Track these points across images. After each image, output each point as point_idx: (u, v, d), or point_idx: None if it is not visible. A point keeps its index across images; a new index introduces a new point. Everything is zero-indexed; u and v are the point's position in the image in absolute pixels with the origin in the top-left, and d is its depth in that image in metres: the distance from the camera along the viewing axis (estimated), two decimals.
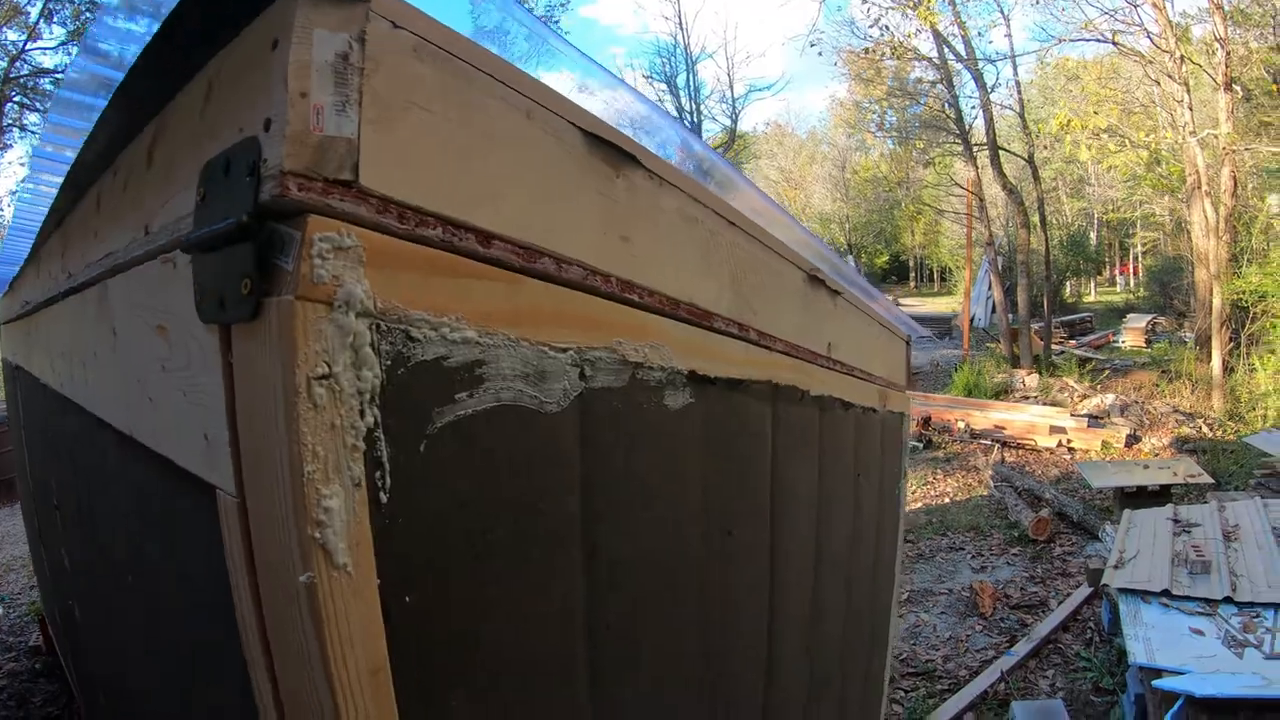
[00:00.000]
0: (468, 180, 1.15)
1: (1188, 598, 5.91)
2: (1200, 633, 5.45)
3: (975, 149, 24.90)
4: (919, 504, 13.40)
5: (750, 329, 1.98)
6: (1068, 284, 41.03)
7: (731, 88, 50.08)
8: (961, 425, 16.89)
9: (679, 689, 1.82)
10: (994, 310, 27.32)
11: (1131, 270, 44.62)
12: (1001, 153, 24.09)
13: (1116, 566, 6.65)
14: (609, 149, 1.41)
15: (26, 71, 24.87)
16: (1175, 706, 4.75)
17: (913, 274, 58.52)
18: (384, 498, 1.06)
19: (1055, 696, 6.90)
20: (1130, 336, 28.03)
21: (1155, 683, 4.99)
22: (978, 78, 23.69)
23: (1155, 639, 5.41)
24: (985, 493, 13.40)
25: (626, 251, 1.48)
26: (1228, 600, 5.80)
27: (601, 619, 1.48)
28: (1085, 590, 8.59)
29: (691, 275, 1.71)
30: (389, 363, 1.06)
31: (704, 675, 1.92)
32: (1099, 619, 8.05)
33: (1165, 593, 5.97)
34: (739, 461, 2.02)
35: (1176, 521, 7.78)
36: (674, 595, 1.75)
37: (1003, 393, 20.23)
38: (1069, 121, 20.65)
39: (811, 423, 2.52)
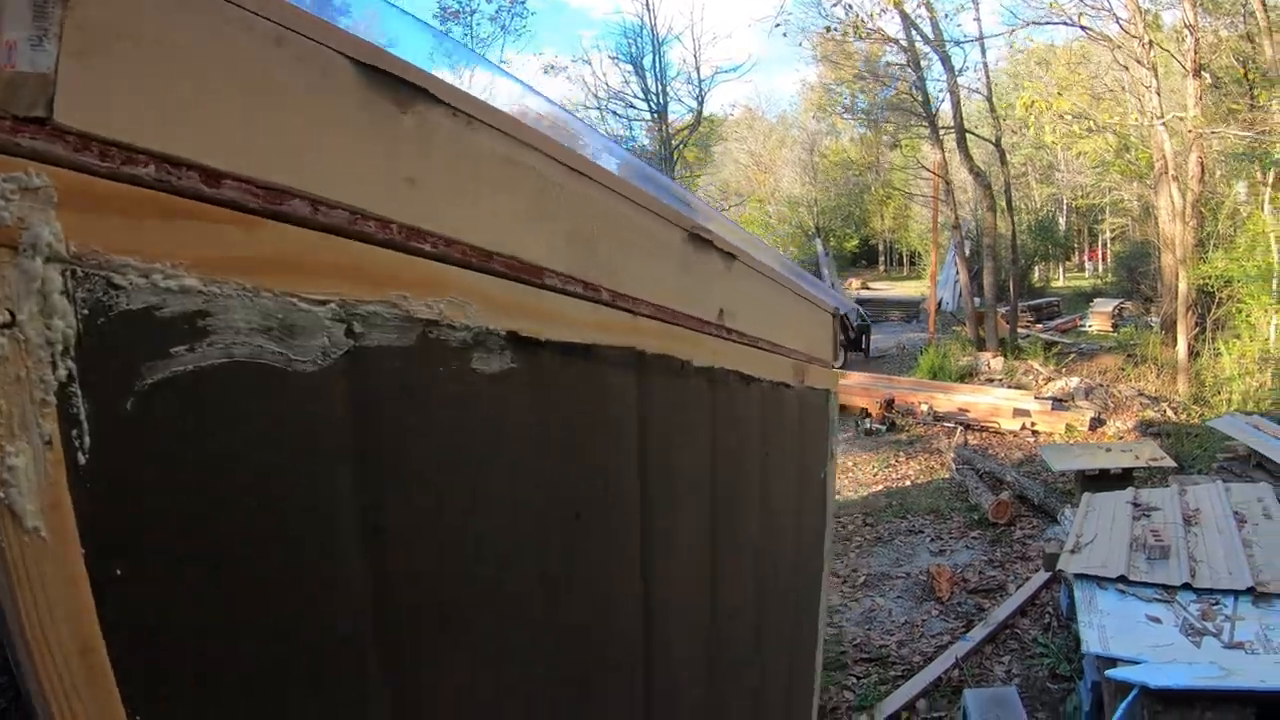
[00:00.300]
0: (194, 114, 0.99)
1: (1145, 584, 5.73)
2: (1157, 620, 5.27)
3: (942, 132, 24.79)
4: (880, 486, 13.34)
5: (602, 289, 1.76)
6: (1036, 269, 41.17)
7: (698, 70, 49.57)
8: (925, 408, 16.79)
9: (522, 681, 1.63)
10: (961, 294, 27.32)
11: (1100, 256, 44.76)
12: (970, 137, 24.00)
13: (1073, 551, 6.47)
14: (392, 82, 1.24)
15: None
16: (1129, 697, 4.58)
17: (882, 258, 58.23)
18: (83, 458, 0.90)
19: (1011, 683, 6.76)
20: (1097, 321, 28.13)
21: (1109, 672, 4.82)
22: (945, 60, 23.54)
23: (1110, 626, 5.22)
24: (947, 475, 13.32)
25: (414, 195, 1.30)
26: (1186, 587, 5.60)
27: (395, 605, 1.30)
28: (1044, 575, 8.43)
29: (513, 225, 1.51)
30: (86, 312, 0.90)
31: (559, 665, 1.73)
32: (1058, 604, 7.88)
33: (1122, 578, 5.78)
34: (590, 435, 1.80)
35: (1136, 505, 7.60)
36: (503, 581, 1.55)
37: (968, 375, 20.21)
38: (1033, 102, 20.57)
39: (699, 396, 2.28)
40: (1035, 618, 8.00)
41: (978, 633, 7.58)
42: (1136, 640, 5.02)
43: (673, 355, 2.10)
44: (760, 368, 2.70)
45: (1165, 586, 5.66)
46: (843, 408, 17.75)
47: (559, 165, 1.61)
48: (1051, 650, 7.13)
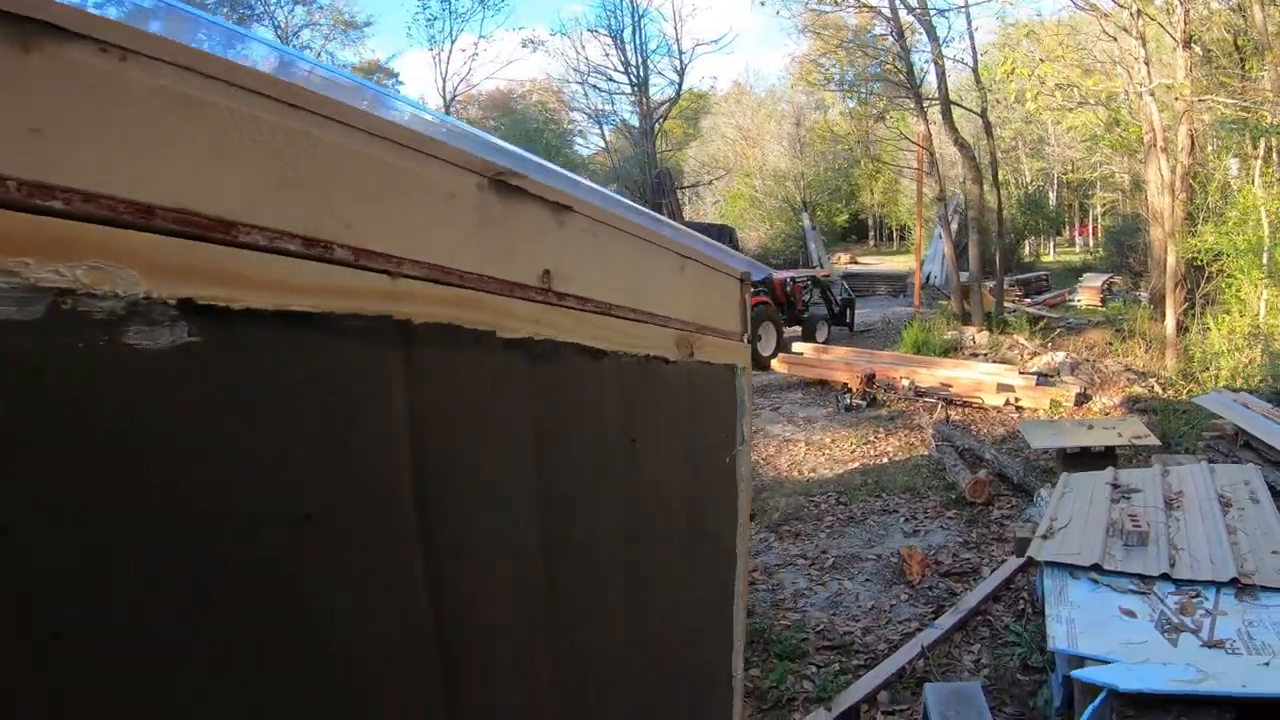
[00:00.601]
0: None
1: (1121, 573, 5.29)
2: (1132, 614, 4.83)
3: (927, 104, 24.36)
4: (856, 464, 12.93)
5: (335, 245, 1.43)
6: (1026, 244, 41.11)
7: (679, 42, 49.21)
8: (906, 383, 16.39)
9: (238, 702, 1.32)
10: (948, 267, 27.03)
11: (1090, 231, 44.65)
12: (957, 109, 23.61)
13: (1045, 536, 6.03)
14: (7, 19, 1.01)
15: None
16: (1097, 700, 4.16)
17: (872, 232, 58.25)
18: None
19: (979, 674, 6.38)
20: (1086, 295, 27.95)
21: (1075, 674, 4.40)
22: (929, 30, 23.10)
23: (1080, 621, 4.79)
24: (926, 452, 12.92)
25: (41, 146, 1.07)
26: (1165, 577, 5.16)
27: (37, 624, 1.08)
28: (1019, 559, 8.03)
29: (186, 174, 1.22)
30: None
31: (288, 683, 1.41)
32: (1034, 588, 7.47)
33: (1096, 567, 5.35)
34: (325, 419, 1.44)
35: (1116, 486, 7.17)
36: (184, 589, 1.24)
37: (952, 350, 19.90)
38: (1014, 69, 20.16)
39: (513, 374, 1.87)
40: (1009, 603, 7.59)
41: (946, 620, 7.17)
42: (1108, 637, 4.59)
43: (462, 325, 1.72)
44: (618, 340, 2.25)
45: (1142, 576, 5.22)
46: (823, 383, 17.52)
47: (266, 100, 1.32)
48: (1024, 639, 6.72)
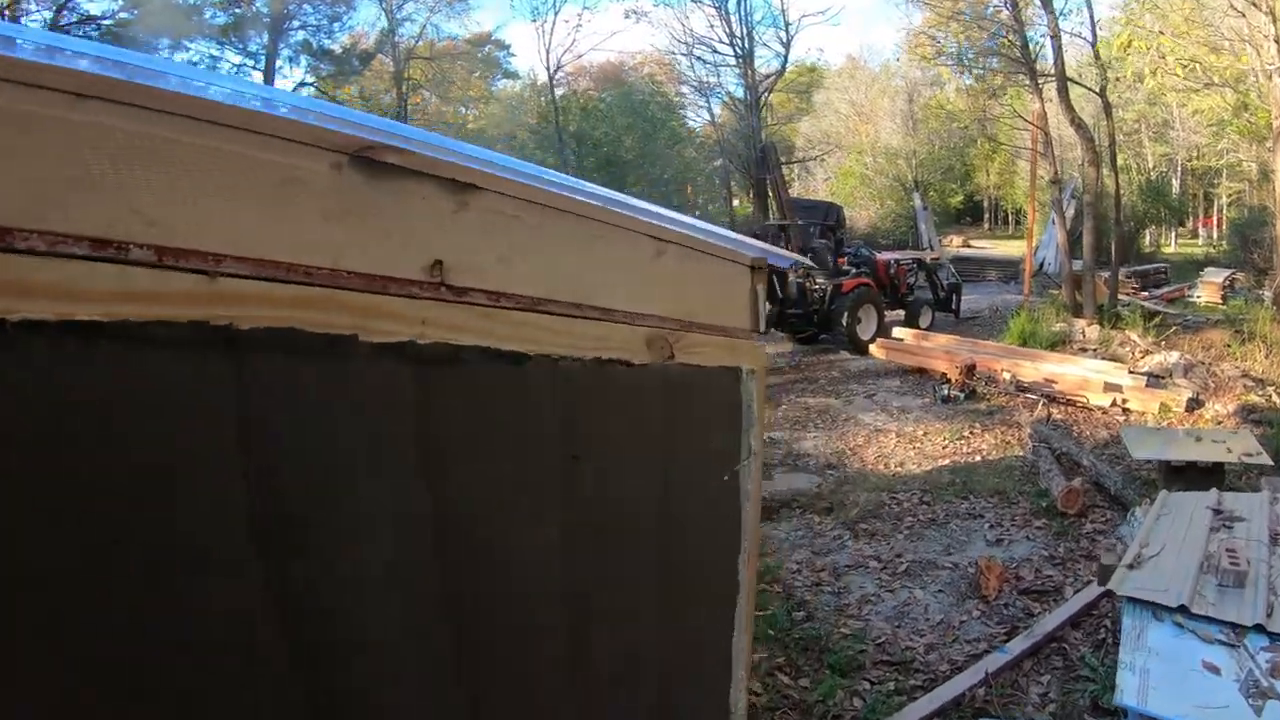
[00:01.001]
0: None
1: (1210, 619, 4.65)
2: (1216, 670, 4.23)
3: (1042, 81, 23.23)
4: (947, 461, 12.37)
5: (130, 245, 1.33)
6: (1146, 233, 39.40)
7: (785, 14, 48.18)
8: (1007, 376, 15.68)
9: None
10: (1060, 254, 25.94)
11: (1215, 223, 42.57)
12: (1075, 88, 22.49)
13: (1132, 566, 5.41)
14: None
15: (74, 19, 26.31)
16: None
17: (987, 215, 56.96)
18: None
19: (1045, 709, 5.86)
20: (1206, 291, 26.53)
21: None
22: (1045, 1, 21.93)
23: (1156, 672, 4.22)
24: (1021, 453, 12.26)
25: None
26: (1259, 629, 4.51)
27: None
28: (1101, 587, 7.38)
29: None
30: None
31: None
32: (1118, 617, 6.84)
33: (1183, 609, 4.71)
34: (126, 437, 1.33)
35: (1218, 512, 6.44)
36: None
37: (1060, 343, 19.04)
38: (1130, 42, 19.04)
39: (391, 383, 1.65)
40: (1089, 631, 6.99)
41: (1017, 644, 6.62)
42: (1184, 696, 4.03)
43: (305, 328, 1.50)
44: (551, 341, 1.91)
45: (1234, 625, 4.56)
46: (922, 371, 16.98)
47: (38, 91, 1.24)
48: (1099, 675, 6.14)
